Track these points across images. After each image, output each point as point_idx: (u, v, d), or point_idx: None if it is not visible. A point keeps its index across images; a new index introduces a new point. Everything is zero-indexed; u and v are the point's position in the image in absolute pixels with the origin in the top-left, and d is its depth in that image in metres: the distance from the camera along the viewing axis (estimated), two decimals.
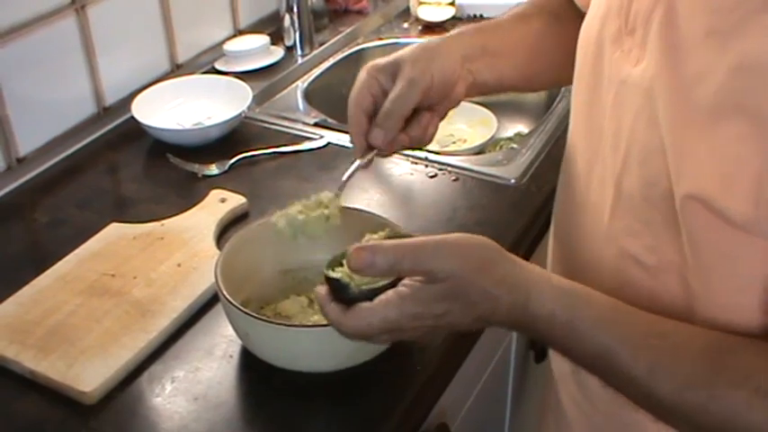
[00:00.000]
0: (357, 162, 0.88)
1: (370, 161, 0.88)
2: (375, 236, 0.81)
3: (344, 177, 0.88)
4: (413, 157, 1.28)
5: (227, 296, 0.84)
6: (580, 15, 0.88)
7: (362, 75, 0.89)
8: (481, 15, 1.80)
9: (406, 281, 0.71)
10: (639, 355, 0.70)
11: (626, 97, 0.74)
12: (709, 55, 0.65)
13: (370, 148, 0.88)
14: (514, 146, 1.40)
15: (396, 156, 1.28)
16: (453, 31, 0.95)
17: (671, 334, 0.71)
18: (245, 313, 0.83)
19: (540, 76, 1.02)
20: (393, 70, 0.88)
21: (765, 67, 0.61)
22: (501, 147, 1.51)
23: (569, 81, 0.94)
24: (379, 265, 0.70)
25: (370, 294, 0.72)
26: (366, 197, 1.18)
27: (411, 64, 0.87)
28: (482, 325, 0.74)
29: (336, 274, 0.74)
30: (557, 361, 0.98)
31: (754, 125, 0.62)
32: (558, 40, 0.97)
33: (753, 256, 0.66)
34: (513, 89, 1.10)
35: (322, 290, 0.75)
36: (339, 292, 0.73)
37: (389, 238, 0.80)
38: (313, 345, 0.84)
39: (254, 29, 1.67)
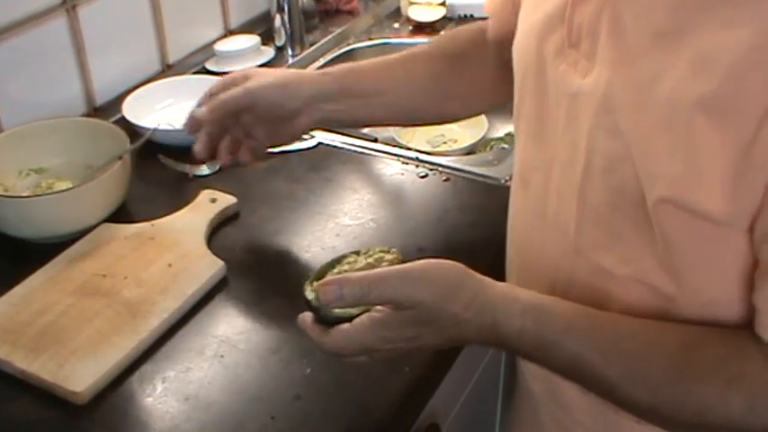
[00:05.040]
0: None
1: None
2: (360, 257, 0.82)
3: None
4: (403, 157, 1.28)
5: None
6: (487, 53, 0.97)
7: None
8: (471, 16, 1.80)
9: (378, 306, 0.74)
10: (611, 360, 0.71)
11: (580, 109, 0.74)
12: (660, 56, 0.65)
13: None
14: (505, 146, 1.41)
15: (387, 156, 1.29)
16: (323, 69, 1.06)
17: (640, 333, 0.72)
18: None
19: (434, 111, 1.11)
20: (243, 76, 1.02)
21: (721, 61, 0.61)
22: (492, 147, 1.51)
23: (483, 110, 1.14)
24: (347, 297, 0.72)
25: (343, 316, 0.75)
26: (356, 197, 1.18)
27: (254, 79, 1.01)
28: (456, 344, 0.77)
29: (311, 294, 0.76)
30: (533, 381, 0.96)
31: (714, 118, 0.62)
32: (462, 80, 1.07)
33: (731, 250, 0.67)
34: (392, 124, 1.26)
35: (306, 315, 0.77)
36: (315, 312, 0.76)
37: (370, 262, 0.81)
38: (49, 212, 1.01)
39: (245, 29, 1.67)
